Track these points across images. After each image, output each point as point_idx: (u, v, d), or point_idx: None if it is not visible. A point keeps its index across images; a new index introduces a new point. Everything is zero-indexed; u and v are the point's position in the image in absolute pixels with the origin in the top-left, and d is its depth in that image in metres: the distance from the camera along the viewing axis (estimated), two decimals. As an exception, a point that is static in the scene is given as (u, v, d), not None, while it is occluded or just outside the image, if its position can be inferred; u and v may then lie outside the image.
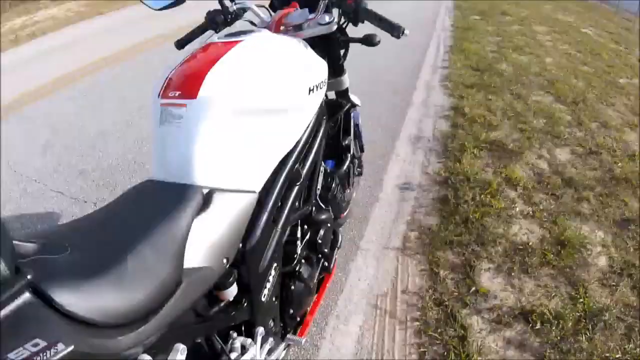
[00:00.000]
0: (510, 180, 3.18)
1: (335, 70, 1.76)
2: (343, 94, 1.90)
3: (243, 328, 1.30)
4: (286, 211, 1.31)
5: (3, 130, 3.89)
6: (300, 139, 1.34)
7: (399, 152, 3.54)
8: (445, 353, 1.96)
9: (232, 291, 1.13)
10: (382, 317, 2.16)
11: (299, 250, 1.52)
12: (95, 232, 0.91)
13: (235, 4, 1.63)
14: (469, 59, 6.36)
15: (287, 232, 1.38)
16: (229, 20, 1.64)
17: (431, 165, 3.36)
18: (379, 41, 1.57)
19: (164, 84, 1.10)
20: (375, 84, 4.78)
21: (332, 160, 1.97)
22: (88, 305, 0.73)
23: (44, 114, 4.30)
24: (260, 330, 1.30)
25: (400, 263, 2.48)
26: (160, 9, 1.68)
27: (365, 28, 1.51)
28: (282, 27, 1.52)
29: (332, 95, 1.86)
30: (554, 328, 2.06)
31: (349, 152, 2.02)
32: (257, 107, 1.13)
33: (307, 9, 1.54)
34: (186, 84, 1.06)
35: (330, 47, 1.67)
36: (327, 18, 1.48)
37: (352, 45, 1.72)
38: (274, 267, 1.30)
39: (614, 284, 2.37)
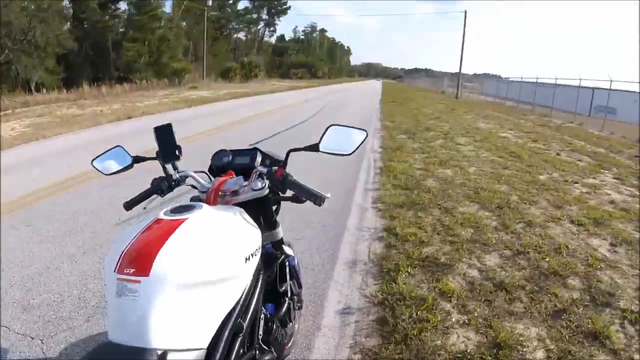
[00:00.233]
0: (445, 293, 3.47)
1: (270, 224, 2.06)
2: (278, 245, 2.16)
3: None
4: None
5: None
6: (241, 296, 1.58)
7: (338, 278, 3.79)
8: None
9: None
10: None
11: None
12: None
13: (177, 172, 1.94)
14: (398, 178, 6.97)
15: None
16: (172, 185, 1.93)
17: (369, 288, 3.62)
18: (305, 200, 1.85)
19: (119, 259, 1.32)
20: (313, 212, 5.10)
21: (272, 304, 2.16)
22: None
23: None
24: None
25: (346, 388, 2.63)
26: (110, 174, 2.03)
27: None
28: (220, 192, 1.81)
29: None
30: None
31: (287, 295, 2.26)
32: (202, 279, 1.37)
33: (241, 177, 1.89)
34: (139, 262, 1.29)
35: (263, 206, 1.99)
36: (259, 184, 1.85)
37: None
38: None
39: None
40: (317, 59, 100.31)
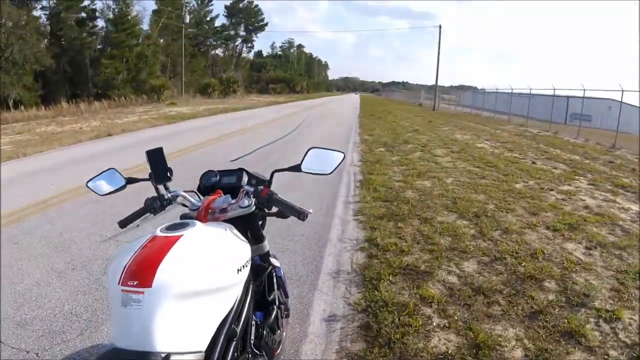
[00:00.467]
0: (425, 299, 3.60)
1: (257, 238, 2.19)
2: (265, 257, 2.30)
3: None
4: None
5: None
6: (234, 304, 1.71)
7: (322, 287, 3.91)
8: None
9: None
10: None
11: None
12: None
13: (169, 192, 2.05)
14: (378, 190, 7.12)
15: None
16: (164, 204, 2.05)
17: (352, 296, 3.73)
18: (289, 216, 1.99)
19: (122, 273, 1.43)
20: (296, 225, 5.23)
21: (261, 312, 2.29)
22: None
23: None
24: None
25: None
26: (105, 195, 2.14)
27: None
28: (210, 210, 1.94)
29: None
30: None
31: (275, 304, 2.39)
32: (199, 289, 1.49)
33: (229, 195, 2.02)
34: (142, 275, 1.41)
35: (250, 222, 2.11)
36: (246, 202, 1.98)
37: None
38: None
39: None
40: (295, 74, 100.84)
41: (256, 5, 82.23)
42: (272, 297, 2.35)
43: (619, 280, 3.99)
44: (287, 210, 1.91)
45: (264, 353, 2.05)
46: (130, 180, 2.14)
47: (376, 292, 3.67)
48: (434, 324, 3.26)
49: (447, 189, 7.34)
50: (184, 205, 2.06)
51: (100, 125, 19.36)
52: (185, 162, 9.08)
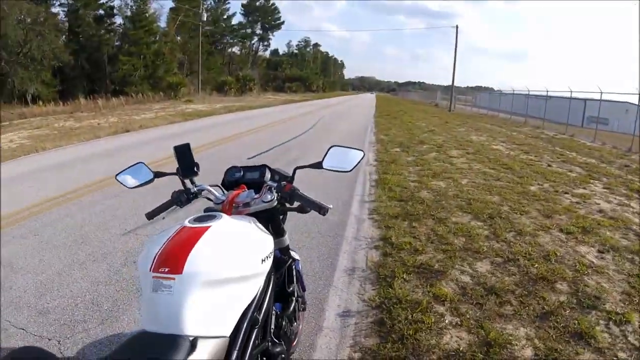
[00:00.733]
0: (438, 297, 3.68)
1: (278, 232, 2.28)
2: (285, 251, 2.39)
3: None
4: (249, 349, 1.73)
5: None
6: (257, 294, 1.80)
7: (337, 284, 4.00)
8: None
9: None
10: None
11: None
12: None
13: (195, 186, 2.16)
14: (393, 190, 7.19)
15: None
16: (190, 197, 2.16)
17: (367, 293, 3.82)
18: (310, 210, 2.10)
19: (154, 260, 1.53)
20: (313, 223, 5.35)
21: (280, 303, 2.38)
22: None
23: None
24: None
25: (348, 383, 2.85)
26: (134, 187, 2.25)
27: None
28: (234, 204, 2.04)
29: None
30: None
31: (294, 296, 2.49)
32: (226, 277, 1.59)
33: (252, 190, 2.12)
34: (172, 262, 1.50)
35: (272, 216, 2.21)
36: (269, 197, 2.07)
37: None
38: None
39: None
40: (311, 72, 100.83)
41: (273, 4, 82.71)
42: (291, 289, 2.43)
43: (630, 284, 4.03)
44: (308, 205, 2.01)
45: (282, 342, 2.14)
46: (158, 174, 2.24)
47: (390, 289, 3.76)
48: (447, 321, 3.34)
49: (462, 190, 7.40)
50: (209, 199, 2.15)
51: (118, 121, 19.59)
52: (203, 158, 8.97)
